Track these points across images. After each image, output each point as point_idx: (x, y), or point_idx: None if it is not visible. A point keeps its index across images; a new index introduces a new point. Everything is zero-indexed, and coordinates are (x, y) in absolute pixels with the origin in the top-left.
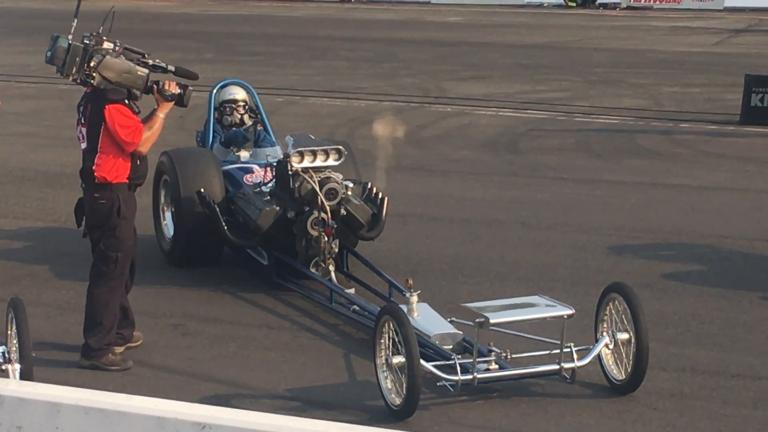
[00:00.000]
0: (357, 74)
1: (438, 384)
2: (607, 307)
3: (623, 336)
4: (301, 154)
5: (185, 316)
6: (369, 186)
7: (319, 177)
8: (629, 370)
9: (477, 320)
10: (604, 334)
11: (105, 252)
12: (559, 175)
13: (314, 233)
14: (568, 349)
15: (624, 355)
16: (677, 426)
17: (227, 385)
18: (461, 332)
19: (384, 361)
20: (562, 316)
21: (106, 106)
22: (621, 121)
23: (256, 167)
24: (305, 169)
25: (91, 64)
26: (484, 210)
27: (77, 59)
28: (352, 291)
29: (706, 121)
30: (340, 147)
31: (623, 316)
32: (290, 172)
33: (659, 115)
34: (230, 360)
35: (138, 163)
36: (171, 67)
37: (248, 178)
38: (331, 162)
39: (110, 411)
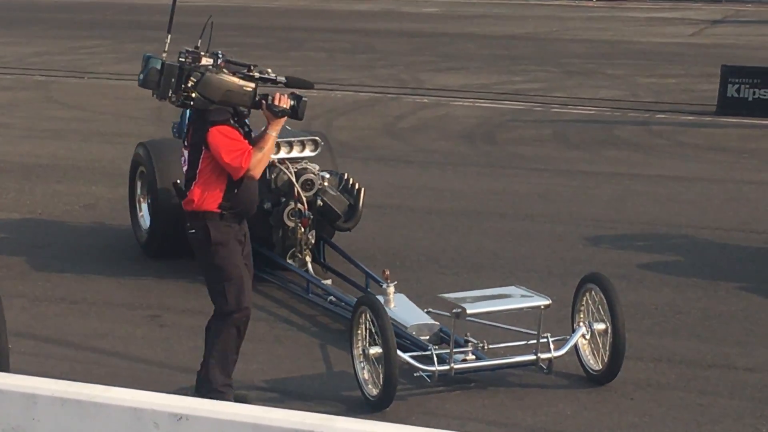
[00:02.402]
0: (334, 65)
1: (415, 375)
2: (584, 298)
3: (600, 326)
4: (278, 145)
5: (162, 307)
6: (345, 177)
7: (296, 168)
8: (606, 360)
9: (454, 311)
10: (581, 324)
11: (212, 284)
12: (535, 165)
13: (291, 224)
14: (545, 340)
15: (600, 345)
16: (654, 416)
17: None
18: (438, 323)
19: (361, 352)
20: (539, 307)
21: (209, 129)
22: (598, 112)
23: None
24: (281, 161)
25: (189, 84)
26: (461, 201)
27: (172, 80)
28: (328, 282)
29: (682, 111)
30: (317, 138)
31: (600, 307)
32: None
33: (636, 106)
34: None
35: (236, 191)
36: (282, 78)
37: None
38: (307, 153)
39: (87, 402)
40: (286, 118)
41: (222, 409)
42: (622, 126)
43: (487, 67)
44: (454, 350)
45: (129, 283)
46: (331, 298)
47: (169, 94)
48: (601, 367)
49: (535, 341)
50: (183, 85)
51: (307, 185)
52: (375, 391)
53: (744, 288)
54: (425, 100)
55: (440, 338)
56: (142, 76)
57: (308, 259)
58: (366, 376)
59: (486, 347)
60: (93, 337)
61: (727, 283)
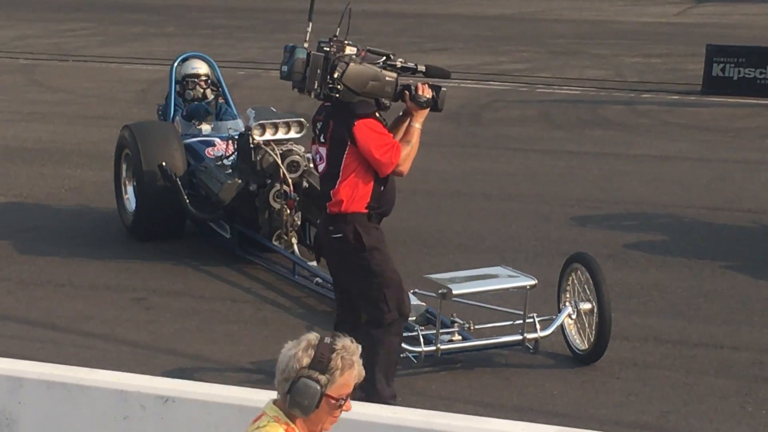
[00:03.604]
0: None
1: (401, 355)
2: (570, 278)
3: (586, 306)
4: (263, 127)
5: (148, 290)
6: None
7: (281, 150)
8: (592, 339)
9: (440, 291)
10: (567, 304)
11: (367, 294)
12: (521, 146)
13: (276, 206)
14: (531, 320)
15: (587, 325)
16: (640, 395)
17: (190, 359)
18: (424, 304)
19: None
20: (524, 287)
21: (355, 123)
22: (583, 92)
23: (217, 140)
24: (267, 142)
25: (335, 75)
26: (447, 182)
27: (318, 71)
28: (314, 263)
29: (667, 91)
30: (302, 120)
31: (586, 287)
32: (252, 145)
33: (621, 86)
34: (193, 333)
35: (382, 188)
36: (421, 67)
37: (210, 152)
38: (292, 135)
39: (73, 385)
40: (429, 109)
41: (208, 390)
42: (607, 106)
43: (472, 48)
44: (441, 331)
45: (115, 265)
46: (318, 279)
47: (315, 86)
48: (587, 346)
49: (521, 321)
50: (328, 77)
51: (293, 167)
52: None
53: (730, 267)
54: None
55: (426, 319)
56: (286, 68)
57: (294, 240)
58: None
59: (472, 328)
60: (79, 320)
61: (713, 262)
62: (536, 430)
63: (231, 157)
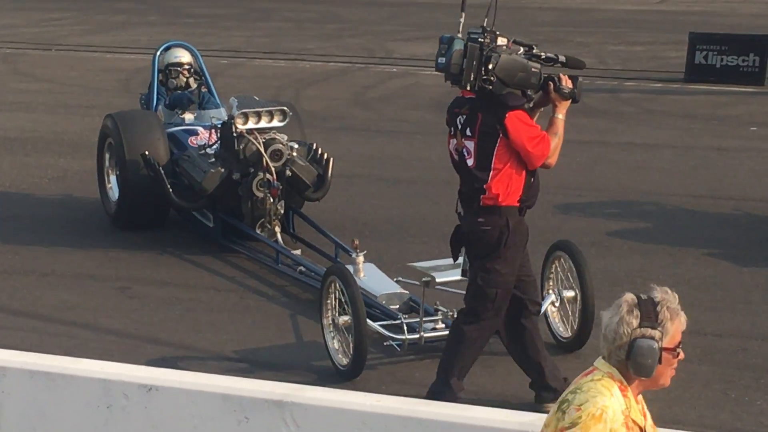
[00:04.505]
0: (302, 35)
1: (385, 344)
2: (553, 265)
3: (569, 294)
4: (246, 116)
5: (131, 279)
6: (314, 147)
7: (264, 138)
8: (575, 327)
9: (423, 280)
10: (550, 292)
11: (481, 287)
12: None
13: (260, 195)
14: None
15: (570, 312)
16: None
17: (174, 348)
18: (408, 292)
19: (331, 322)
20: None
21: (507, 115)
22: None
23: (200, 129)
24: (250, 131)
25: (489, 67)
26: (430, 170)
27: (474, 63)
28: (298, 252)
29: (650, 79)
30: (285, 108)
31: (569, 274)
32: (235, 134)
33: (604, 74)
34: (177, 322)
35: (532, 180)
36: (562, 58)
37: (193, 141)
38: (275, 123)
39: (56, 374)
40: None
41: (191, 379)
42: (590, 94)
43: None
44: (424, 319)
45: (98, 255)
46: (301, 268)
47: (471, 78)
48: (570, 334)
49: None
50: (483, 68)
51: (276, 155)
52: (345, 361)
53: (713, 254)
54: (394, 70)
55: (410, 307)
56: (443, 60)
57: (277, 229)
58: (336, 345)
59: (455, 316)
60: (62, 309)
61: (696, 249)
62: (519, 418)
63: (214, 146)
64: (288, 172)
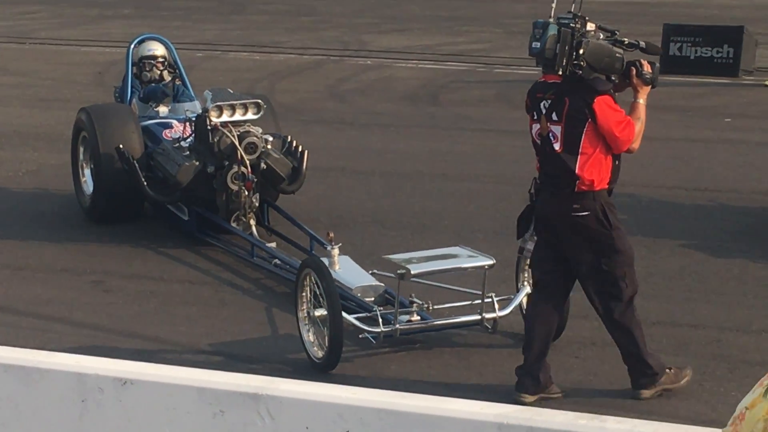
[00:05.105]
0: (276, 28)
1: (360, 336)
2: (528, 257)
3: None
4: (220, 109)
5: (106, 272)
6: (289, 140)
7: (239, 131)
8: None
9: (398, 272)
10: (525, 283)
11: (611, 272)
12: (479, 126)
13: (234, 187)
14: (490, 300)
15: None
16: (599, 374)
17: (149, 341)
18: (383, 284)
19: (306, 315)
20: (483, 267)
21: (596, 99)
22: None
23: (175, 122)
24: (224, 124)
25: (580, 52)
26: (406, 162)
27: (566, 48)
28: (273, 245)
29: None
30: (259, 101)
31: None
32: (209, 127)
33: None
34: (152, 316)
35: (617, 163)
36: (642, 44)
37: (167, 134)
38: (250, 116)
39: (31, 368)
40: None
41: (166, 372)
42: None
43: (430, 29)
44: (399, 311)
45: (73, 248)
46: (276, 260)
47: (563, 63)
48: None
49: (479, 301)
50: (575, 53)
51: (251, 148)
52: (320, 353)
53: (687, 245)
54: (369, 62)
55: (385, 299)
56: (538, 45)
57: (252, 222)
58: (311, 338)
59: (431, 308)
60: (37, 303)
61: (671, 240)
62: (496, 409)
63: (188, 139)
64: (263, 165)
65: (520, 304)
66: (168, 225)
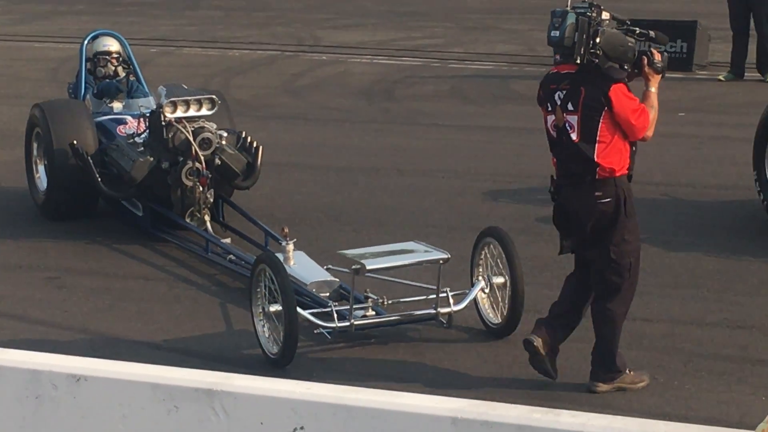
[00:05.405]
0: (230, 24)
1: (315, 332)
2: (483, 252)
3: (499, 280)
4: (174, 104)
5: (60, 269)
6: (243, 135)
7: (193, 127)
8: (505, 313)
9: (353, 267)
10: (480, 278)
11: (616, 261)
12: (434, 121)
13: (189, 183)
14: (445, 294)
15: (500, 298)
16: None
17: (103, 338)
18: (338, 279)
19: (261, 310)
20: (438, 261)
21: (611, 87)
22: (495, 67)
23: (129, 118)
24: (178, 119)
25: (597, 40)
26: (361, 157)
27: (584, 36)
28: (228, 241)
29: None
30: (214, 96)
31: (498, 261)
32: (163, 123)
33: (533, 60)
34: (106, 312)
35: (634, 149)
36: (652, 33)
37: (121, 130)
38: (204, 112)
39: None
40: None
41: (120, 369)
42: (519, 80)
43: (385, 24)
44: (354, 306)
45: (26, 245)
46: (231, 256)
47: (581, 52)
48: (500, 320)
49: (434, 296)
50: (592, 41)
51: (205, 144)
52: (275, 349)
53: (641, 240)
54: (323, 58)
55: (340, 295)
56: (558, 33)
57: (207, 218)
58: (266, 333)
59: (386, 303)
60: None
61: None
62: (450, 404)
63: (143, 135)
64: (217, 161)
65: (474, 299)
66: (122, 221)
